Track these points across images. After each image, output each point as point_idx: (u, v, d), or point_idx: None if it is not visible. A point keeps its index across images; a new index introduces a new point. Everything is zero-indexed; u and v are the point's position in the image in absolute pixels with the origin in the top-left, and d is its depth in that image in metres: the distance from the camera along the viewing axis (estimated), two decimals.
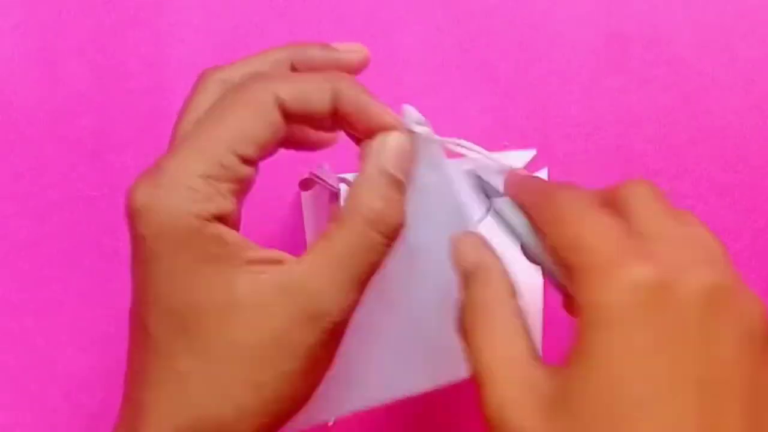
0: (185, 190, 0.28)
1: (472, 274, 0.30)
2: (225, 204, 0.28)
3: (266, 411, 0.28)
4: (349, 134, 0.32)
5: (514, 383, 0.27)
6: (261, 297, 0.28)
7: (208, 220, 0.28)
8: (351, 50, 0.32)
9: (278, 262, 0.29)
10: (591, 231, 0.27)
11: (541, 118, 0.45)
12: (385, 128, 0.30)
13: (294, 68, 0.32)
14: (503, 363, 0.27)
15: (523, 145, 0.45)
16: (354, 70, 0.32)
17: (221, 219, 0.28)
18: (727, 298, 0.26)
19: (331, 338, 0.29)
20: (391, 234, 0.29)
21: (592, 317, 0.25)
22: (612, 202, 0.29)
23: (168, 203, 0.27)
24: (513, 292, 0.29)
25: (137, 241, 0.28)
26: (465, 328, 0.29)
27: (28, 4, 0.46)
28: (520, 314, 0.29)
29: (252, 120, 0.29)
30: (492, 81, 0.45)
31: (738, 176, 0.45)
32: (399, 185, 0.30)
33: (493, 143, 0.45)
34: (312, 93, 0.30)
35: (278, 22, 0.46)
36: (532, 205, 0.31)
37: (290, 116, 0.30)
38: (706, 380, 0.25)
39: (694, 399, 0.24)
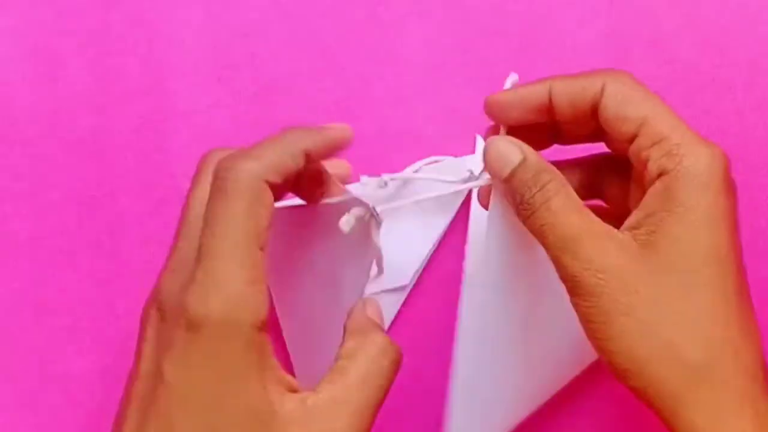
0: (240, 299, 0.29)
1: (526, 163, 0.32)
2: (265, 309, 0.30)
3: None
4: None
5: (600, 243, 0.30)
6: (298, 417, 0.29)
7: (257, 328, 0.29)
8: (336, 129, 0.35)
9: (296, 389, 0.30)
10: (669, 109, 0.33)
11: None
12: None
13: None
14: (584, 229, 0.31)
15: None
16: (342, 147, 0.35)
17: (264, 326, 0.30)
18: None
19: None
20: (398, 362, 0.32)
21: (686, 177, 0.30)
22: None
23: (228, 313, 0.29)
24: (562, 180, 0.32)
25: (186, 344, 0.29)
26: (534, 208, 0.32)
27: (28, 4, 0.46)
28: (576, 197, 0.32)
29: (258, 212, 0.30)
30: (492, 81, 0.45)
31: (738, 176, 0.45)
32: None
33: None
34: (287, 159, 0.32)
35: (279, 23, 0.46)
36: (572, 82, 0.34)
37: (279, 186, 0.32)
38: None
39: (739, 261, 0.32)
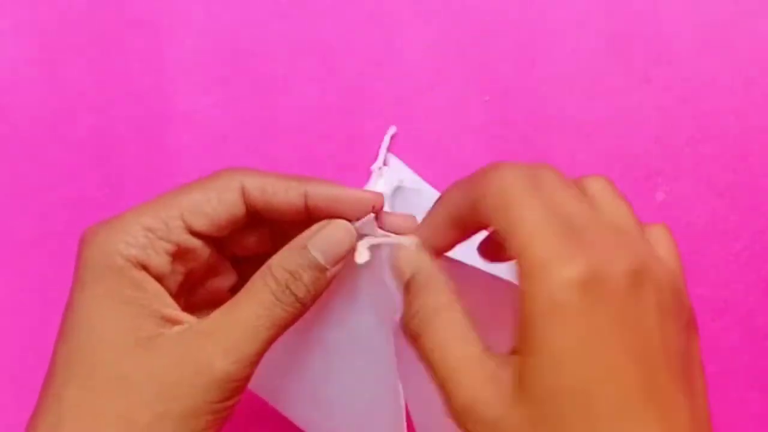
0: (123, 233, 0.30)
1: (413, 282, 0.31)
2: (156, 259, 0.30)
3: None
4: None
5: (476, 380, 0.28)
6: (157, 348, 0.30)
7: (133, 265, 0.30)
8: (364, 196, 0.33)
9: (185, 321, 0.31)
10: (530, 225, 0.28)
11: (541, 118, 0.45)
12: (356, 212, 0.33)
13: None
14: (462, 363, 0.28)
15: (523, 146, 0.45)
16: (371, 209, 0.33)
17: (150, 271, 0.30)
18: (642, 278, 0.28)
19: (220, 397, 0.30)
20: (294, 307, 0.31)
21: (537, 308, 0.27)
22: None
23: (104, 240, 0.30)
24: (453, 292, 0.30)
25: (77, 267, 0.31)
26: (416, 335, 0.30)
27: (29, 4, 0.46)
28: (464, 312, 0.30)
29: (210, 197, 0.31)
30: (492, 82, 0.46)
31: (738, 176, 0.45)
32: (312, 263, 0.31)
33: (492, 143, 0.45)
34: (279, 188, 0.32)
35: (279, 23, 0.46)
36: (462, 194, 0.31)
37: (257, 208, 0.32)
38: (642, 353, 0.27)
39: (635, 372, 0.27)
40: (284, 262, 0.31)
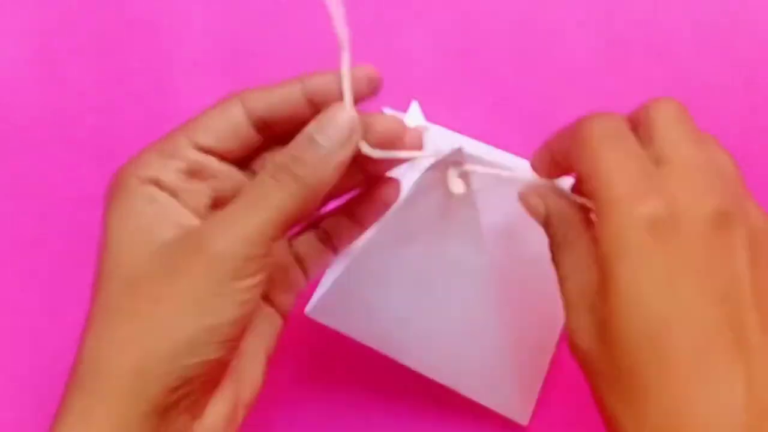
0: (137, 159, 0.32)
1: (549, 218, 0.32)
2: (167, 175, 0.31)
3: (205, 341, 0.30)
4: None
5: (582, 311, 0.30)
6: (173, 244, 0.30)
7: (143, 182, 0.31)
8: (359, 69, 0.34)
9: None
10: (608, 165, 0.28)
11: (542, 119, 0.45)
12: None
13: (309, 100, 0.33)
14: (576, 294, 0.30)
15: (524, 146, 0.45)
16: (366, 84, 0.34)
17: (161, 187, 0.31)
18: (730, 220, 0.28)
19: (233, 275, 0.30)
20: (297, 187, 0.31)
21: (611, 249, 0.27)
22: (638, 123, 0.31)
23: (123, 169, 0.32)
24: (584, 223, 0.32)
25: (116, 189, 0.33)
26: (554, 262, 0.32)
27: (30, 5, 0.46)
28: (591, 245, 0.30)
29: (212, 114, 0.32)
30: (493, 83, 0.46)
31: None
32: (313, 143, 0.31)
33: (492, 143, 0.45)
34: (276, 93, 0.32)
35: (280, 23, 0.46)
36: (559, 140, 0.33)
37: (265, 119, 0.32)
38: (725, 295, 0.27)
39: (715, 312, 0.27)
40: (285, 148, 0.31)
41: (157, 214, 0.31)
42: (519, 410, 0.42)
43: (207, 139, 0.32)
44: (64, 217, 0.45)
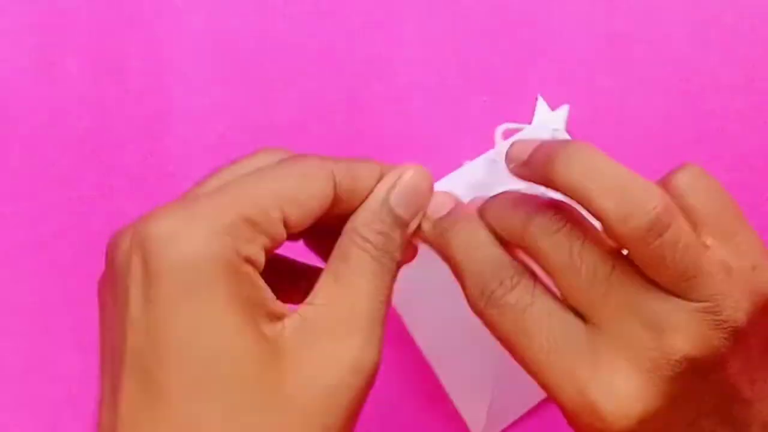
0: (225, 225, 0.25)
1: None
2: (259, 255, 0.26)
3: None
4: None
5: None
6: (289, 351, 0.26)
7: (245, 261, 0.25)
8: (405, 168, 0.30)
9: (286, 313, 0.27)
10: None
11: None
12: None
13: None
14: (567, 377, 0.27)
15: None
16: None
17: (255, 266, 0.26)
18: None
19: (368, 388, 0.27)
20: (395, 271, 0.28)
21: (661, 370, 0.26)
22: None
23: (205, 232, 0.25)
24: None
25: (150, 273, 0.25)
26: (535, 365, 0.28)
27: (27, 4, 0.46)
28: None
29: (305, 185, 0.27)
30: (492, 81, 0.45)
31: (738, 176, 0.45)
32: (399, 221, 0.28)
33: (492, 143, 0.45)
34: (362, 170, 0.29)
35: (279, 23, 0.46)
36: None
37: (340, 197, 0.28)
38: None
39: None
40: (372, 223, 0.28)
41: (258, 306, 0.26)
42: (479, 424, 0.42)
43: (297, 217, 0.27)
44: (62, 217, 0.45)
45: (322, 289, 0.27)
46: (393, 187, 0.29)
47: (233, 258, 0.25)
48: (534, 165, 0.28)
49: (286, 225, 0.27)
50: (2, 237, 0.45)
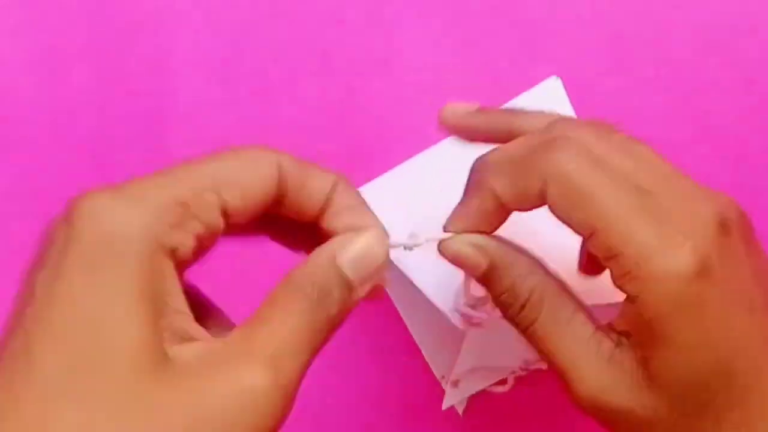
0: (152, 205, 0.24)
1: (496, 273, 0.30)
2: (186, 243, 0.24)
3: None
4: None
5: (598, 367, 0.28)
6: (185, 369, 0.23)
7: (161, 249, 0.24)
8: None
9: (200, 338, 0.25)
10: (618, 211, 0.27)
11: None
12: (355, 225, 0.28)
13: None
14: (580, 347, 0.28)
15: None
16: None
17: (175, 261, 0.24)
18: (729, 224, 0.28)
19: (264, 426, 0.24)
20: (328, 324, 0.26)
21: (654, 306, 0.27)
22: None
23: (130, 212, 0.23)
24: (547, 270, 0.30)
25: (67, 243, 0.23)
26: (527, 324, 0.29)
27: (29, 5, 0.46)
28: (565, 289, 0.30)
29: (247, 171, 0.26)
30: (493, 81, 0.45)
31: (738, 176, 0.45)
32: (343, 281, 0.26)
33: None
34: (314, 168, 0.28)
35: (279, 23, 0.46)
36: (512, 176, 0.29)
37: (287, 189, 0.27)
38: (749, 304, 0.28)
39: (755, 321, 0.27)
40: (314, 276, 0.26)
41: (166, 311, 0.24)
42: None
43: (235, 202, 0.26)
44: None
45: (239, 327, 0.25)
46: (346, 245, 0.27)
47: (151, 249, 0.23)
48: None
49: (225, 212, 0.25)
50: (3, 237, 0.45)
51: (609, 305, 0.32)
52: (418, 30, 0.46)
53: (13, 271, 0.45)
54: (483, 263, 0.30)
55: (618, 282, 0.27)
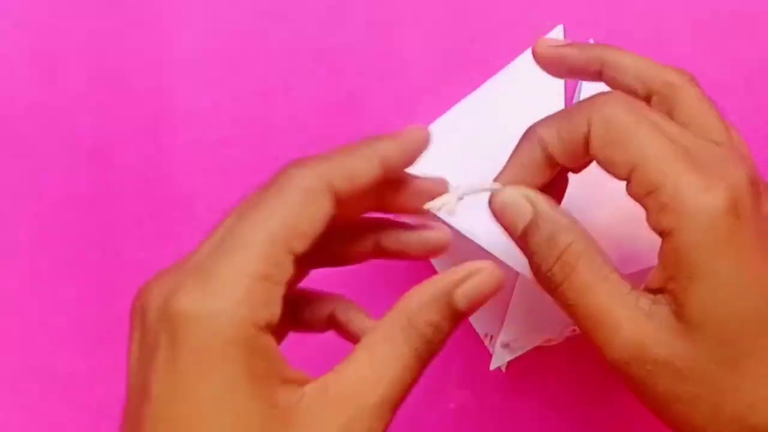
0: (242, 297, 0.25)
1: (536, 229, 0.30)
2: (277, 310, 0.26)
3: None
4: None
5: (636, 319, 0.28)
6: (300, 417, 0.25)
7: (262, 329, 0.25)
8: (412, 132, 0.30)
9: (312, 379, 0.27)
10: (658, 151, 0.28)
11: None
12: (433, 189, 0.30)
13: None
14: (616, 303, 0.29)
15: None
16: (420, 151, 0.30)
17: (270, 327, 0.26)
18: (759, 183, 0.30)
19: None
20: (431, 356, 0.28)
21: (689, 241, 0.27)
22: (658, 96, 0.32)
23: (224, 307, 0.25)
24: (583, 230, 0.30)
25: (173, 348, 0.25)
26: (557, 282, 0.29)
27: (27, 3, 0.46)
28: (600, 249, 0.30)
29: (305, 211, 0.27)
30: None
31: None
32: (456, 315, 0.28)
33: None
34: (359, 167, 0.28)
35: (279, 23, 0.46)
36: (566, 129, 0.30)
37: (342, 200, 0.28)
38: None
39: None
40: (428, 314, 0.27)
41: (273, 377, 0.26)
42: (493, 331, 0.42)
43: (304, 248, 0.27)
44: (62, 217, 0.45)
45: (352, 362, 0.27)
46: (460, 282, 0.28)
47: (250, 334, 0.25)
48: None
49: (297, 259, 0.27)
50: (2, 237, 0.45)
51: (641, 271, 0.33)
52: (418, 30, 0.46)
53: (13, 270, 0.45)
54: (528, 215, 0.30)
55: (655, 218, 0.28)
